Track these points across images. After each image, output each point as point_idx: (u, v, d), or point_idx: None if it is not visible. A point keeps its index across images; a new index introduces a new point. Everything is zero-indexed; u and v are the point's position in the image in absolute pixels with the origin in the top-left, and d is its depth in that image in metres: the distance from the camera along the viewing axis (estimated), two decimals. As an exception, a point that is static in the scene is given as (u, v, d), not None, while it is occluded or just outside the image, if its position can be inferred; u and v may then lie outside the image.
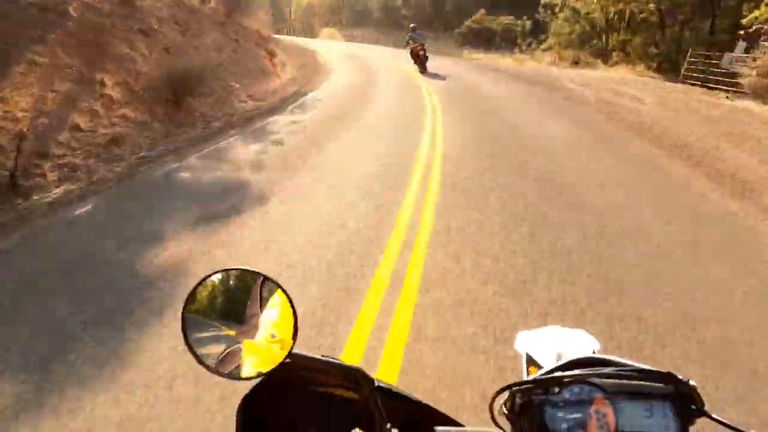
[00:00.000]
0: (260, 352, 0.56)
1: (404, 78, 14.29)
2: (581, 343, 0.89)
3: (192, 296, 0.58)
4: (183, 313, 0.56)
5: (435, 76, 14.54)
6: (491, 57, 23.31)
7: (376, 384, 0.58)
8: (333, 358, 0.60)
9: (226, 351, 0.56)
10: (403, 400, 0.62)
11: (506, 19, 27.44)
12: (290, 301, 0.57)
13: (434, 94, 10.98)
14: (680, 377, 0.56)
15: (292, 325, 0.56)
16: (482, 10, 28.81)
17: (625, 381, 0.57)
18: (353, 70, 17.57)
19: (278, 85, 14.01)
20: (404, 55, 17.73)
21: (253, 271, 0.59)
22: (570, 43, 20.41)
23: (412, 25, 16.16)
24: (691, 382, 0.56)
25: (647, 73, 16.76)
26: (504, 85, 13.14)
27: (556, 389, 0.57)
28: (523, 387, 0.59)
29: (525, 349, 0.90)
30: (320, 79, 15.14)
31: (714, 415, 0.54)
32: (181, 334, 0.56)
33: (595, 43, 20.29)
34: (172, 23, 11.92)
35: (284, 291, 0.57)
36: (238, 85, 11.64)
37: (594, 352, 0.83)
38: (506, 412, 0.60)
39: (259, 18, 24.27)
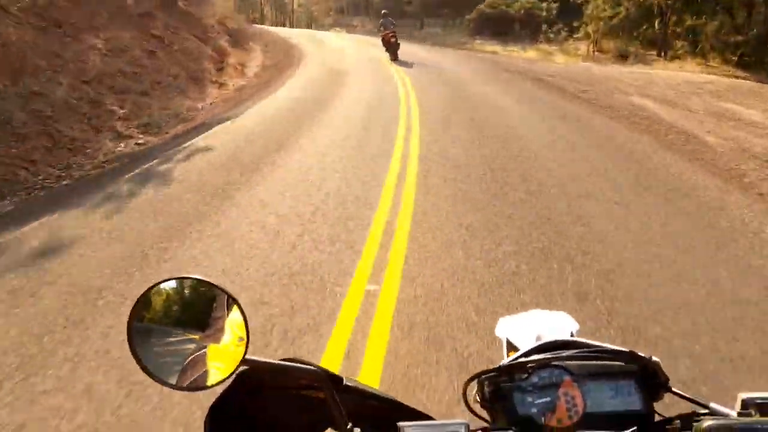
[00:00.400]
0: (227, 355, 0.54)
1: (384, 93, 9.99)
2: (560, 326, 0.89)
3: (140, 304, 0.55)
4: (129, 323, 0.53)
5: (427, 85, 10.23)
6: (509, 49, 18.77)
7: (344, 383, 0.57)
8: (293, 360, 0.56)
9: (191, 357, 0.54)
10: (370, 397, 0.61)
11: (527, 2, 22.75)
12: (243, 314, 0.55)
13: (415, 129, 6.64)
14: (642, 355, 0.57)
15: (245, 334, 0.55)
16: (498, -8, 24.15)
17: (591, 362, 0.58)
18: (324, 73, 13.33)
19: (211, 101, 9.96)
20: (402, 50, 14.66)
21: (207, 281, 0.57)
22: (612, 30, 15.79)
23: (383, 11, 16.07)
24: (654, 359, 0.57)
25: (726, 69, 12.11)
26: (527, 106, 8.27)
27: (525, 375, 0.58)
28: (490, 375, 0.60)
29: (505, 334, 0.91)
30: (272, 89, 11.00)
31: (676, 390, 0.56)
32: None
33: (645, 30, 15.62)
34: (31, 15, 7.98)
35: (237, 303, 0.56)
36: (123, 110, 7.68)
37: (572, 334, 0.85)
38: (479, 400, 0.61)
39: (217, 6, 20.30)
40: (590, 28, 15.69)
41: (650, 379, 0.57)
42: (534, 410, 0.56)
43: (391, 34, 13.10)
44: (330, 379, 0.56)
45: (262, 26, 38.93)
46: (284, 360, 0.55)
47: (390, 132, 6.30)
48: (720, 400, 0.55)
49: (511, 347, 0.86)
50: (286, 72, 14.46)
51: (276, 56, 19.14)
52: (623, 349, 0.59)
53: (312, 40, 22.30)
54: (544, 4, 22.13)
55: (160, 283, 0.56)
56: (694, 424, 0.47)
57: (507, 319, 0.98)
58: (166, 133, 7.47)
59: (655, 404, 0.58)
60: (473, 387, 0.61)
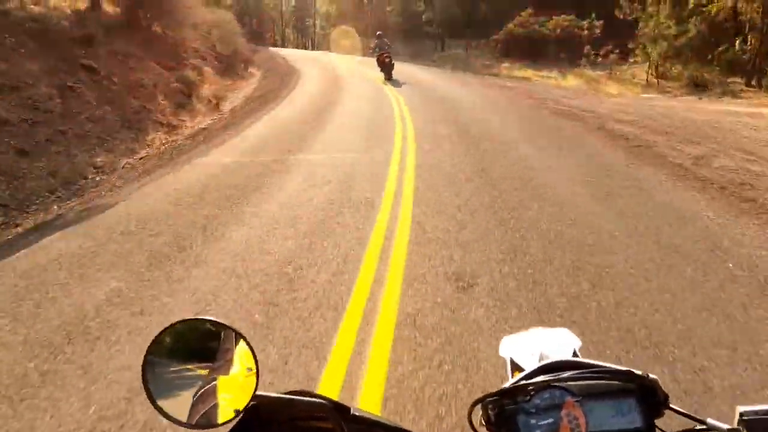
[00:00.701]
0: (237, 387, 0.56)
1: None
2: (562, 343, 0.89)
3: (155, 345, 0.57)
4: (144, 363, 0.56)
5: (437, 141, 7.20)
6: (544, 75, 15.68)
7: (351, 413, 0.57)
8: (301, 393, 0.57)
9: (201, 391, 0.56)
10: (377, 425, 0.61)
11: (564, 19, 19.70)
12: (251, 348, 0.58)
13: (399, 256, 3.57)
14: (640, 373, 0.57)
15: (255, 369, 0.57)
16: (529, 10, 21.23)
17: (592, 382, 0.58)
18: (311, 108, 10.53)
19: (142, 155, 7.24)
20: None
21: (216, 321, 0.60)
22: (679, 51, 12.50)
23: (378, 33, 16.99)
24: (651, 376, 0.57)
25: None
26: (616, 208, 4.16)
27: (527, 397, 0.58)
28: (493, 398, 0.60)
29: (509, 354, 0.90)
30: (241, 129, 8.29)
31: (675, 407, 0.57)
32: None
33: (724, 52, 12.28)
34: None
35: (245, 338, 0.59)
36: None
37: (575, 351, 0.85)
38: (484, 423, 0.62)
39: (214, 27, 18.06)
40: (653, 50, 12.34)
41: (649, 397, 0.58)
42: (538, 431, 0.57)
43: (385, 55, 13.87)
44: (337, 409, 0.56)
45: (279, 49, 37.32)
46: (292, 393, 0.57)
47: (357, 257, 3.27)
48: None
49: (515, 367, 0.86)
50: (270, 104, 11.76)
51: (271, 83, 16.67)
52: (622, 368, 0.59)
53: (315, 63, 19.68)
54: (585, 22, 18.99)
55: (174, 324, 0.58)
56: None
57: (510, 338, 0.98)
58: (16, 224, 4.67)
59: (656, 421, 0.58)
60: (478, 411, 0.62)
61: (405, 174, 5.22)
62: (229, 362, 0.58)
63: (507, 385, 0.61)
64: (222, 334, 0.59)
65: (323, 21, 60.35)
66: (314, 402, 0.55)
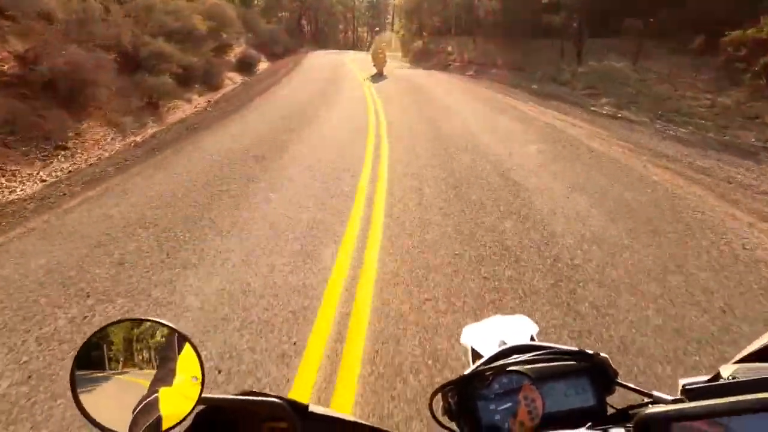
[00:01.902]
0: (181, 397, 0.52)
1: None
2: (520, 330, 0.91)
3: (84, 351, 0.52)
4: (72, 372, 0.50)
5: None
6: None
7: (309, 410, 0.55)
8: (253, 393, 0.55)
9: (142, 403, 0.50)
10: (337, 423, 0.59)
11: None
12: (197, 353, 0.54)
13: None
14: (591, 352, 0.59)
15: (200, 372, 0.53)
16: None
17: (546, 364, 0.60)
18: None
19: None
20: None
21: (156, 321, 0.55)
22: None
23: (376, 29, 24.62)
24: (602, 355, 0.59)
25: None
26: None
27: (485, 383, 0.59)
28: (451, 387, 0.61)
29: (469, 342, 0.91)
30: None
31: (623, 382, 0.59)
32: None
33: None
34: None
35: (191, 342, 0.54)
36: None
37: (532, 336, 0.88)
38: (445, 412, 0.62)
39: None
40: None
41: (600, 375, 0.59)
42: (497, 417, 0.58)
43: (380, 51, 15.17)
44: (294, 408, 0.54)
45: (330, 53, 28.41)
46: (244, 393, 0.54)
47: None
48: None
49: (476, 355, 0.86)
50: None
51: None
52: (574, 348, 0.61)
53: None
54: None
55: (104, 327, 0.53)
56: (636, 412, 0.49)
57: (471, 327, 0.99)
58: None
59: (609, 397, 0.59)
60: (439, 400, 0.62)
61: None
62: (173, 370, 0.53)
63: (466, 372, 0.62)
64: (164, 336, 0.54)
65: (401, 17, 50.29)
66: (269, 401, 0.53)
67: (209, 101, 10.03)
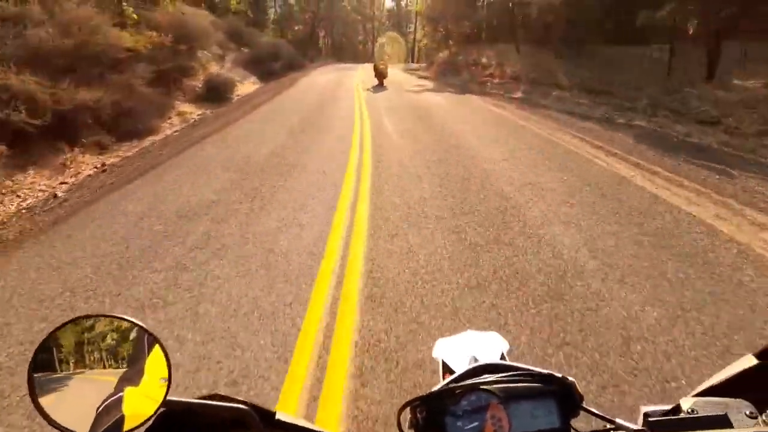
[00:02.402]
0: (147, 399, 0.50)
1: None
2: (491, 346, 0.93)
3: (45, 347, 0.50)
4: (30, 371, 0.48)
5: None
6: None
7: (276, 418, 0.55)
8: (219, 397, 0.53)
9: (105, 403, 0.49)
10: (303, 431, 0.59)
11: None
12: (165, 354, 0.53)
13: None
14: (559, 376, 0.59)
15: (167, 374, 0.52)
16: None
17: (515, 385, 0.60)
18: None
19: None
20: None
21: (124, 318, 0.53)
22: None
23: (380, 39, 21.63)
24: (570, 379, 0.59)
25: None
26: None
27: (455, 400, 0.60)
28: (419, 403, 0.61)
29: (441, 356, 0.93)
30: None
31: (588, 408, 0.59)
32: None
33: None
34: None
35: (160, 342, 0.53)
36: None
37: (503, 353, 0.90)
38: (412, 426, 0.62)
39: None
40: None
41: (567, 398, 0.60)
42: None
43: (381, 64, 15.47)
44: (260, 414, 0.54)
45: (339, 68, 24.69)
46: (208, 397, 0.53)
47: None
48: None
49: (447, 369, 0.88)
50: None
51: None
52: (543, 371, 0.61)
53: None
54: None
55: (67, 323, 0.51)
56: None
57: (443, 341, 1.00)
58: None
59: (573, 421, 0.59)
60: (408, 414, 0.63)
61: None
62: (141, 370, 0.52)
63: (435, 388, 0.62)
64: (133, 335, 0.53)
65: (423, 24, 46.28)
66: (234, 406, 0.52)
67: (98, 167, 5.96)
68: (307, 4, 40.81)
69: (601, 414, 0.57)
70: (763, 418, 0.50)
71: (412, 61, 49.69)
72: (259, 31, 24.79)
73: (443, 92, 13.67)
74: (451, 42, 29.90)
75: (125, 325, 0.52)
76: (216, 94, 12.12)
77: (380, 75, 15.16)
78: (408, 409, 0.61)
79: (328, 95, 13.14)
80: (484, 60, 17.79)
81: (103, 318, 0.52)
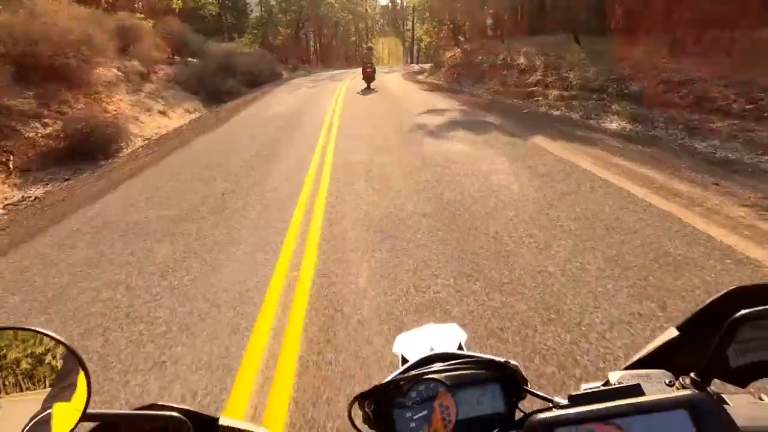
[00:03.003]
0: (63, 413, 0.49)
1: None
2: (450, 337, 0.93)
3: None
4: None
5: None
6: None
7: (219, 423, 0.55)
8: (154, 407, 0.53)
9: (33, 420, 0.47)
10: None
11: None
12: (81, 362, 0.50)
13: None
14: (502, 361, 0.61)
15: (86, 389, 0.50)
16: None
17: (460, 372, 0.61)
18: None
19: None
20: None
21: (43, 332, 0.50)
22: None
23: (369, 45, 20.09)
24: (512, 363, 0.61)
25: None
26: None
27: (403, 391, 0.60)
28: (367, 397, 0.61)
29: (401, 350, 0.93)
30: None
31: (531, 390, 0.61)
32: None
33: None
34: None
35: (74, 352, 0.50)
36: None
37: (461, 344, 0.90)
38: (364, 420, 0.62)
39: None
40: None
41: (511, 382, 0.61)
42: (413, 425, 0.58)
43: (368, 67, 15.41)
44: (201, 422, 0.54)
45: (308, 81, 19.83)
46: (143, 407, 0.53)
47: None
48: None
49: (406, 362, 0.81)
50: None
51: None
52: (487, 357, 0.62)
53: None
54: None
55: None
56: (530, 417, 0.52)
57: (404, 335, 0.99)
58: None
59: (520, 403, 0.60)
60: (364, 406, 0.62)
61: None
62: (70, 385, 0.50)
63: (384, 381, 0.63)
64: (48, 348, 0.51)
65: (424, 20, 41.17)
66: (168, 415, 0.52)
67: None
68: (289, 4, 35.65)
69: (541, 394, 0.59)
70: (678, 384, 0.53)
71: (412, 62, 44.21)
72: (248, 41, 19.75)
73: (479, 129, 7.40)
74: (461, 38, 24.66)
75: (40, 337, 0.50)
76: (90, 147, 6.96)
77: (368, 78, 15.38)
78: (358, 404, 0.61)
79: (266, 153, 7.34)
80: (521, 60, 12.50)
81: (16, 330, 0.50)
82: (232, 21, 39.19)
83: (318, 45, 40.85)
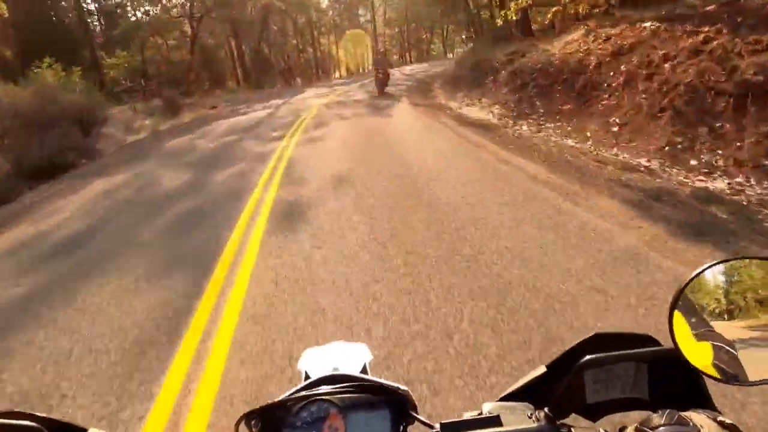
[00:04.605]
0: None
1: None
2: (356, 357, 0.93)
3: None
4: None
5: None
6: None
7: None
8: (14, 415, 0.49)
9: None
10: None
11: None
12: None
13: None
14: (392, 386, 0.61)
15: None
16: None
17: (353, 395, 0.61)
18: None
19: None
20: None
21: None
22: None
23: (380, 50, 21.53)
24: (402, 388, 0.61)
25: None
26: None
27: (293, 411, 0.59)
28: (255, 416, 0.60)
29: (305, 367, 0.91)
30: None
31: (416, 415, 0.61)
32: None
33: None
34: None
35: None
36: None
37: (365, 365, 0.89)
38: None
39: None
40: None
41: (401, 407, 0.61)
42: None
43: (380, 72, 15.12)
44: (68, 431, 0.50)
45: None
46: (2, 414, 0.49)
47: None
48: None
49: (308, 379, 0.81)
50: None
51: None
52: (378, 381, 0.62)
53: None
54: None
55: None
56: None
57: (310, 350, 0.97)
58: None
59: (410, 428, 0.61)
60: (251, 426, 0.61)
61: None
62: None
63: (277, 399, 0.62)
64: None
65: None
66: (22, 425, 0.48)
67: None
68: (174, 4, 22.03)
69: (424, 420, 0.60)
70: (534, 417, 0.56)
71: (405, 64, 30.61)
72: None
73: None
74: (514, 17, 11.76)
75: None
76: None
77: (380, 84, 14.56)
78: (253, 421, 0.60)
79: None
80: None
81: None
82: (103, 28, 25.12)
83: (238, 57, 26.58)
